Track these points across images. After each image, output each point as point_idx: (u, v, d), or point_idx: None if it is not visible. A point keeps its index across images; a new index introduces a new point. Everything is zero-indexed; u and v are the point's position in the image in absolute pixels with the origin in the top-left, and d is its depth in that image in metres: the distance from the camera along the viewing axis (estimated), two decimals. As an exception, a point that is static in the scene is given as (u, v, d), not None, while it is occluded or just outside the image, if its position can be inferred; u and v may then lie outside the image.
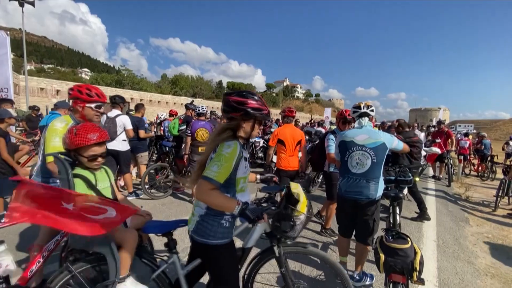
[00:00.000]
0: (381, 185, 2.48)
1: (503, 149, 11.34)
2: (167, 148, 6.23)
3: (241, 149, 1.54)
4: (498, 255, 3.55)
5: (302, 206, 1.69)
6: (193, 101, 7.51)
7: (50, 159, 2.01)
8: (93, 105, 2.18)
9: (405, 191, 4.79)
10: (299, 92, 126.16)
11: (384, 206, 4.49)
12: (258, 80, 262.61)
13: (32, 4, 14.55)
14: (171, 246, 1.78)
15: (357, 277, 2.61)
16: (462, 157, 9.41)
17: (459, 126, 46.36)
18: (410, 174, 3.16)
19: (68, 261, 1.62)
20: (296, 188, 1.76)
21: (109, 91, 36.90)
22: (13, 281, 1.84)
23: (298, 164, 4.05)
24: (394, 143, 2.53)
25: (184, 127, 5.82)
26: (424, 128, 13.05)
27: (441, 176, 8.34)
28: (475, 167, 10.06)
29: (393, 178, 3.06)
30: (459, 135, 11.10)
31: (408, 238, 2.01)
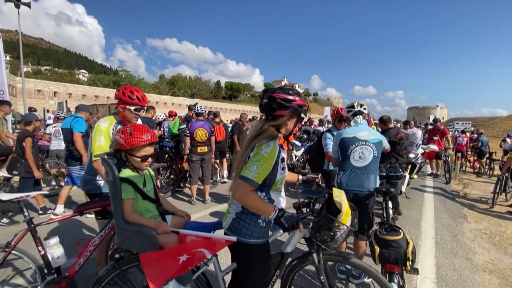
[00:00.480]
0: (378, 179, 2.63)
1: (500, 146, 11.39)
2: (167, 149, 6.28)
3: (280, 148, 1.50)
4: (496, 251, 3.57)
5: (345, 217, 1.56)
6: (197, 103, 7.65)
7: (96, 156, 2.10)
8: (132, 108, 2.22)
9: (404, 188, 4.81)
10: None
11: (378, 202, 4.50)
12: (256, 80, 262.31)
13: (28, 5, 14.47)
14: None
15: (356, 274, 2.62)
16: (459, 154, 9.48)
17: (457, 123, 46.52)
18: (400, 170, 3.26)
19: (115, 259, 1.67)
20: (340, 196, 1.62)
21: (106, 93, 36.91)
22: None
23: None
24: (385, 142, 2.71)
25: (184, 126, 6.06)
26: (422, 126, 13.12)
27: (438, 173, 8.38)
28: (471, 164, 10.18)
29: (384, 174, 3.14)
30: (456, 132, 11.20)
31: (400, 230, 2.14)
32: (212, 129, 5.16)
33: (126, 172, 1.66)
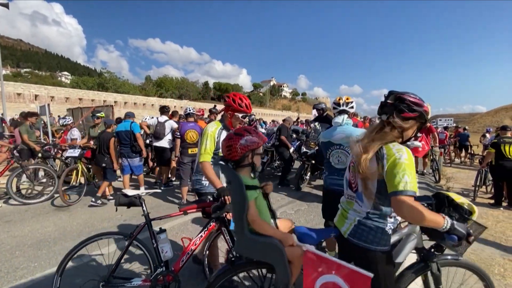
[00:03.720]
0: None
1: (480, 141, 11.89)
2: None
3: None
4: (478, 241, 3.72)
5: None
6: (215, 106, 8.04)
7: (203, 158, 2.24)
8: (240, 115, 2.35)
9: None
10: (286, 92, 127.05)
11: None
12: (243, 80, 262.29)
13: (6, 6, 13.90)
14: None
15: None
16: (442, 149, 9.83)
17: (440, 120, 47.97)
18: None
19: (231, 262, 1.69)
20: (460, 198, 1.56)
21: (91, 95, 35.94)
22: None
23: None
24: None
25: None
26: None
27: (424, 171, 8.61)
28: (448, 154, 10.84)
29: None
30: (440, 128, 11.70)
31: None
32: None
33: (245, 178, 1.62)
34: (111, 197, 5.27)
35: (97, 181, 5.71)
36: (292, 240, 1.59)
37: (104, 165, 5.04)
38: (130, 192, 2.17)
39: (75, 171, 5.29)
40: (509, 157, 5.13)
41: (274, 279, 1.67)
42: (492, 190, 5.86)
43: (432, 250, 1.65)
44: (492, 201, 5.48)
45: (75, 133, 6.55)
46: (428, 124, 8.49)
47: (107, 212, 4.62)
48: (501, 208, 5.17)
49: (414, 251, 1.69)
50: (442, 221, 1.29)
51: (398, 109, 1.42)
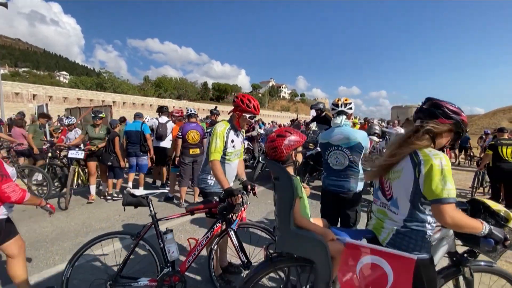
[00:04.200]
0: (361, 179, 2.58)
1: (478, 143, 11.96)
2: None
3: None
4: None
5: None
6: (216, 107, 8.58)
7: (213, 157, 2.25)
8: (248, 115, 2.37)
9: None
10: (285, 92, 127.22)
11: (365, 200, 4.61)
12: (242, 81, 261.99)
13: (5, 5, 13.86)
14: None
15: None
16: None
17: (438, 122, 48.32)
18: None
19: (271, 257, 1.72)
20: (497, 205, 1.58)
21: (89, 95, 35.83)
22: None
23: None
24: (366, 143, 2.56)
25: (210, 130, 6.42)
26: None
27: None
28: (449, 156, 11.13)
29: None
30: None
31: None
32: (205, 131, 5.21)
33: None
34: (109, 197, 5.29)
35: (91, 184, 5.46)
36: (332, 235, 1.62)
37: (110, 163, 5.14)
38: (138, 192, 2.17)
39: (74, 174, 5.12)
40: (506, 159, 5.15)
41: (312, 275, 1.68)
42: (490, 192, 5.89)
43: (465, 255, 1.66)
44: (489, 203, 5.50)
45: (80, 132, 6.42)
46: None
47: (105, 212, 4.61)
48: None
49: (446, 255, 1.71)
50: (481, 226, 1.32)
51: (433, 115, 1.41)
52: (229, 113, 2.58)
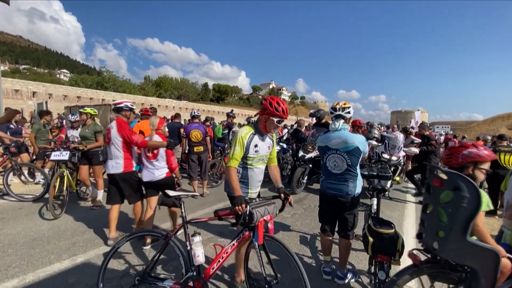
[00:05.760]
0: (359, 183, 2.60)
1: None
2: (220, 148, 7.54)
3: None
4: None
5: None
6: (232, 110, 8.88)
7: (229, 163, 2.21)
8: (276, 119, 2.24)
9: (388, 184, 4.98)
10: (285, 95, 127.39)
11: (363, 204, 4.61)
12: (242, 82, 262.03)
13: (7, 2, 13.84)
14: None
15: (341, 275, 2.67)
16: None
17: (437, 127, 48.58)
18: (390, 171, 3.37)
19: (421, 262, 1.77)
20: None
21: (89, 94, 35.78)
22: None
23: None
24: (364, 147, 2.56)
25: (226, 131, 7.62)
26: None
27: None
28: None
29: (375, 173, 3.23)
30: (442, 137, 12.36)
31: (392, 225, 2.35)
32: (206, 130, 5.77)
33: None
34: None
35: (82, 188, 5.11)
36: (505, 253, 1.68)
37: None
38: (171, 192, 2.16)
39: (59, 178, 4.38)
40: (505, 165, 5.17)
41: (468, 285, 1.73)
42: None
43: None
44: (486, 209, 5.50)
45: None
46: (427, 132, 8.55)
47: (102, 211, 4.58)
48: (496, 217, 5.20)
49: None
50: None
51: None
52: (255, 115, 2.50)
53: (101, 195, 4.78)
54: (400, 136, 6.97)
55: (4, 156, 5.33)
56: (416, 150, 6.66)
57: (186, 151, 5.66)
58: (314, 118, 6.73)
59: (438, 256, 1.75)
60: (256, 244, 2.00)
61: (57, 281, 2.60)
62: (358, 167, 2.57)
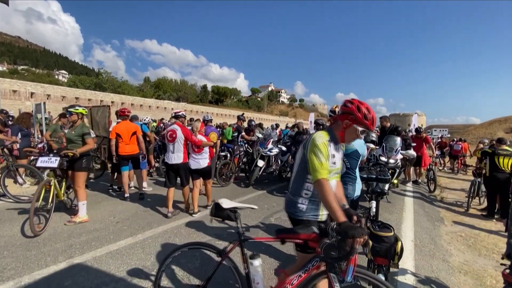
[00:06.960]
0: (359, 186, 2.61)
1: (474, 154, 12.06)
2: (230, 149, 7.78)
3: None
4: (470, 253, 3.74)
5: None
6: (243, 113, 9.08)
7: (320, 175, 1.66)
8: (360, 128, 1.77)
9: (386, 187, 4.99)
10: (284, 97, 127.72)
11: (362, 207, 4.61)
12: (240, 84, 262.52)
13: (6, 3, 13.82)
14: None
15: (340, 278, 2.66)
16: (437, 160, 10.04)
17: (435, 130, 48.84)
18: (388, 174, 3.38)
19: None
20: None
21: (88, 95, 35.71)
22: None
23: (136, 149, 5.54)
24: (363, 150, 2.58)
25: (236, 134, 8.10)
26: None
27: (419, 180, 8.67)
28: (443, 164, 13.33)
29: (374, 176, 3.24)
30: (434, 139, 13.06)
31: (391, 228, 2.37)
32: (220, 132, 6.55)
33: None
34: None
35: (70, 197, 4.47)
36: None
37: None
38: (226, 203, 1.88)
39: (44, 188, 3.81)
40: (503, 169, 5.20)
41: None
42: (485, 201, 5.91)
43: None
44: (485, 213, 5.52)
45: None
46: (424, 135, 8.61)
47: (99, 213, 4.56)
48: (494, 220, 5.21)
49: None
50: None
51: None
52: (332, 119, 2.24)
53: (84, 208, 4.09)
54: (398, 139, 6.97)
55: (0, 157, 5.30)
56: (413, 153, 6.67)
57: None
58: (315, 125, 6.75)
59: None
60: (335, 278, 1.61)
61: (53, 284, 2.57)
62: (357, 170, 2.57)
